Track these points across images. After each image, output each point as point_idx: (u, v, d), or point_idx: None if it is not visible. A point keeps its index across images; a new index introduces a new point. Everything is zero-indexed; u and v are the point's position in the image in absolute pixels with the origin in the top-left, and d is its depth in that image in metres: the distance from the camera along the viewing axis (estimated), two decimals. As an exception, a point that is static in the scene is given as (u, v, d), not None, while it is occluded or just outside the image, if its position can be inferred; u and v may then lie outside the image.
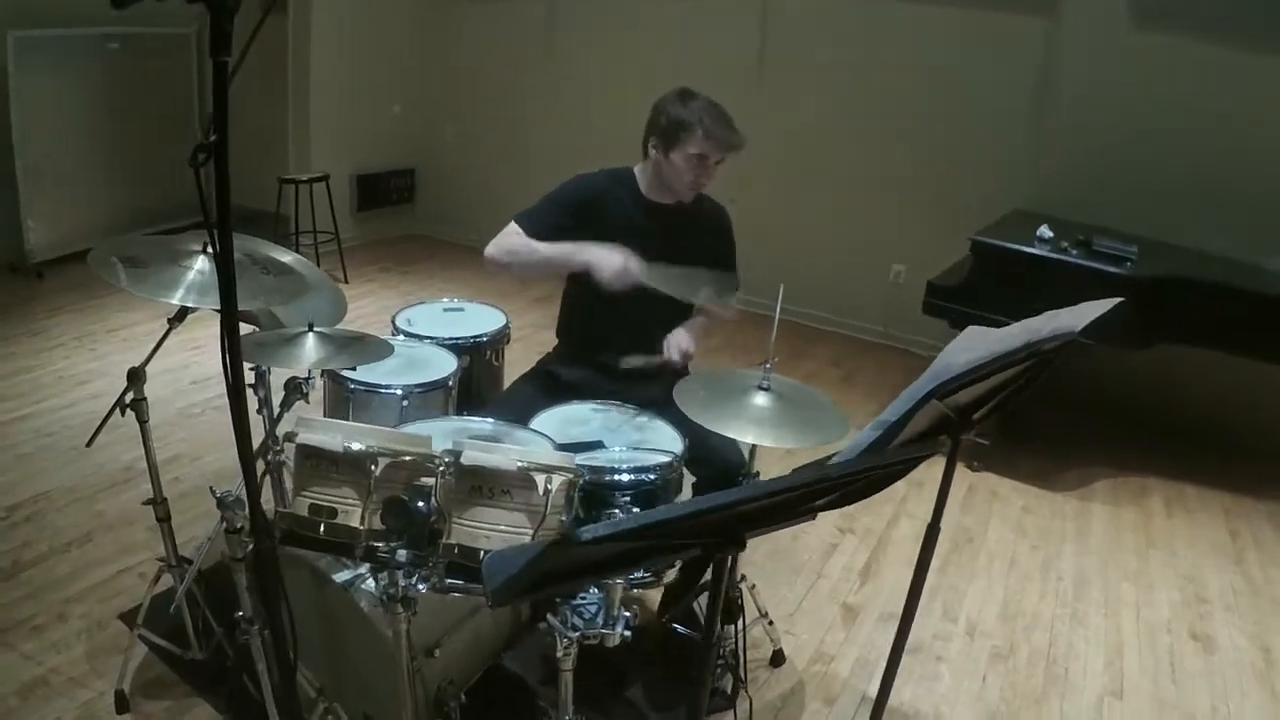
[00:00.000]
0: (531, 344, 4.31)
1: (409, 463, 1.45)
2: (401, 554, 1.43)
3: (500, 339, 2.90)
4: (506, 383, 2.86)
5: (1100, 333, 3.71)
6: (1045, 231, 4.04)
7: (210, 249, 1.88)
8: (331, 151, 5.57)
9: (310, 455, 1.44)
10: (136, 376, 1.89)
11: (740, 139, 2.45)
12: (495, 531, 1.47)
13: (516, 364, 2.93)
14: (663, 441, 2.20)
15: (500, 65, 6.10)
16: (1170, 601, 3.29)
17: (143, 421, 1.94)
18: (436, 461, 1.47)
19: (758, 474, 2.24)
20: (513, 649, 2.29)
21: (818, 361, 5.23)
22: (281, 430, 1.63)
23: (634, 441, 2.20)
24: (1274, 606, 3.34)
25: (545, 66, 5.95)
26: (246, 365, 2.14)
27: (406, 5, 6.07)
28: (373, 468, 1.41)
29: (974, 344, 1.55)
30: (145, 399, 1.93)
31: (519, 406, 2.36)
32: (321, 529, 1.43)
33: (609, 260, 2.36)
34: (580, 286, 2.55)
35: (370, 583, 1.71)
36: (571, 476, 1.53)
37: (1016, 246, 3.95)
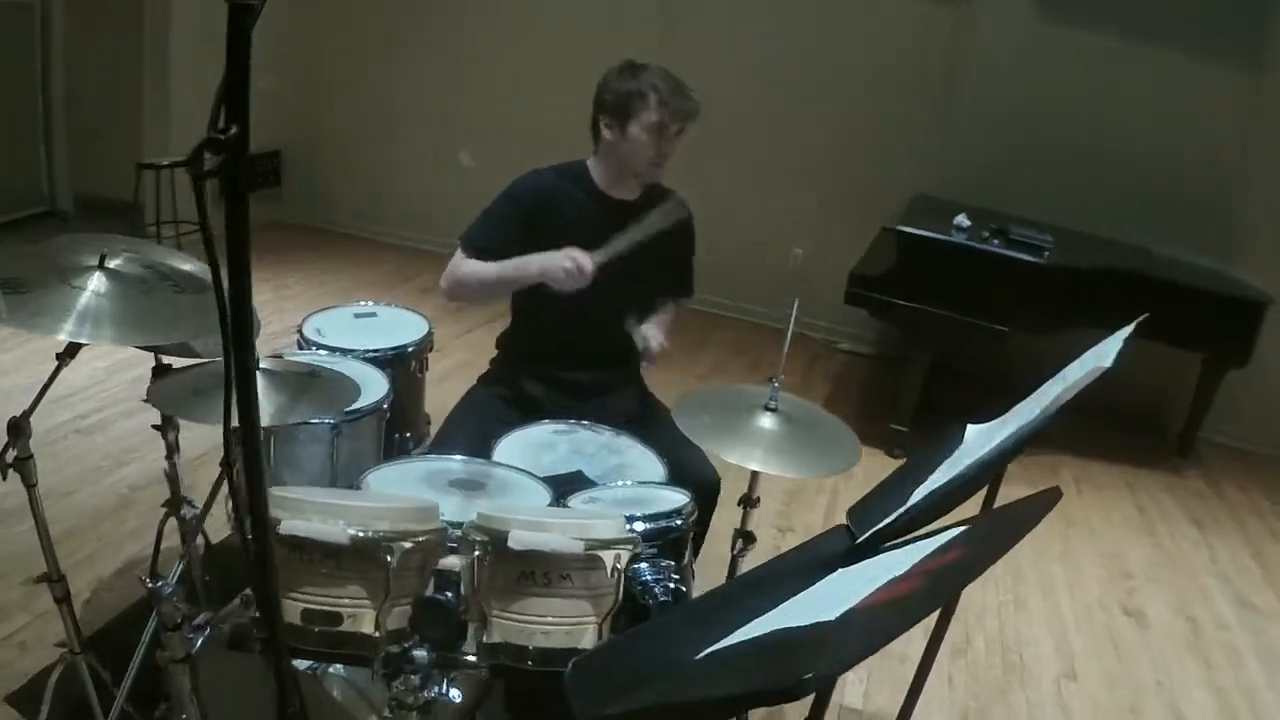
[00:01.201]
0: (449, 351, 4.09)
1: (425, 543, 1.18)
2: (424, 655, 1.15)
3: (425, 348, 2.58)
4: (430, 398, 2.59)
5: (1012, 320, 3.86)
6: (963, 220, 4.04)
7: (104, 263, 1.54)
8: (192, 131, 4.99)
9: (299, 547, 1.14)
10: (19, 430, 1.51)
11: (697, 104, 2.27)
12: (554, 626, 1.23)
13: (442, 376, 2.67)
14: (644, 465, 2.03)
15: (375, 35, 5.65)
16: (1098, 579, 3.38)
17: (30, 485, 1.56)
18: (467, 543, 1.20)
19: (758, 499, 2.06)
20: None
21: (722, 349, 5.11)
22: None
23: (612, 467, 2.01)
24: (1189, 576, 3.49)
25: (424, 38, 5.55)
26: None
27: (269, -30, 5.55)
28: (388, 558, 1.12)
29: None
30: (31, 456, 1.56)
31: (473, 432, 2.12)
32: (321, 637, 1.13)
33: (555, 265, 2.16)
34: (529, 292, 2.31)
35: (338, 667, 1.42)
36: (634, 549, 1.29)
37: (942, 237, 3.95)
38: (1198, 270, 4.40)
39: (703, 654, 1.04)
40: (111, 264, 1.55)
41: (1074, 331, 4.01)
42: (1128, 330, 1.71)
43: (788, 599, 1.20)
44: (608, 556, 1.26)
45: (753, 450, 1.79)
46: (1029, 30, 4.65)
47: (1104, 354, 1.59)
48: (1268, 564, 3.68)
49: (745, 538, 2.06)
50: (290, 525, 1.12)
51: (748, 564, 2.11)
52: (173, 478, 2.06)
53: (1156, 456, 4.51)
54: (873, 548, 1.39)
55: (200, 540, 1.95)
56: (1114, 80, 4.57)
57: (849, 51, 4.93)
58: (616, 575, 1.26)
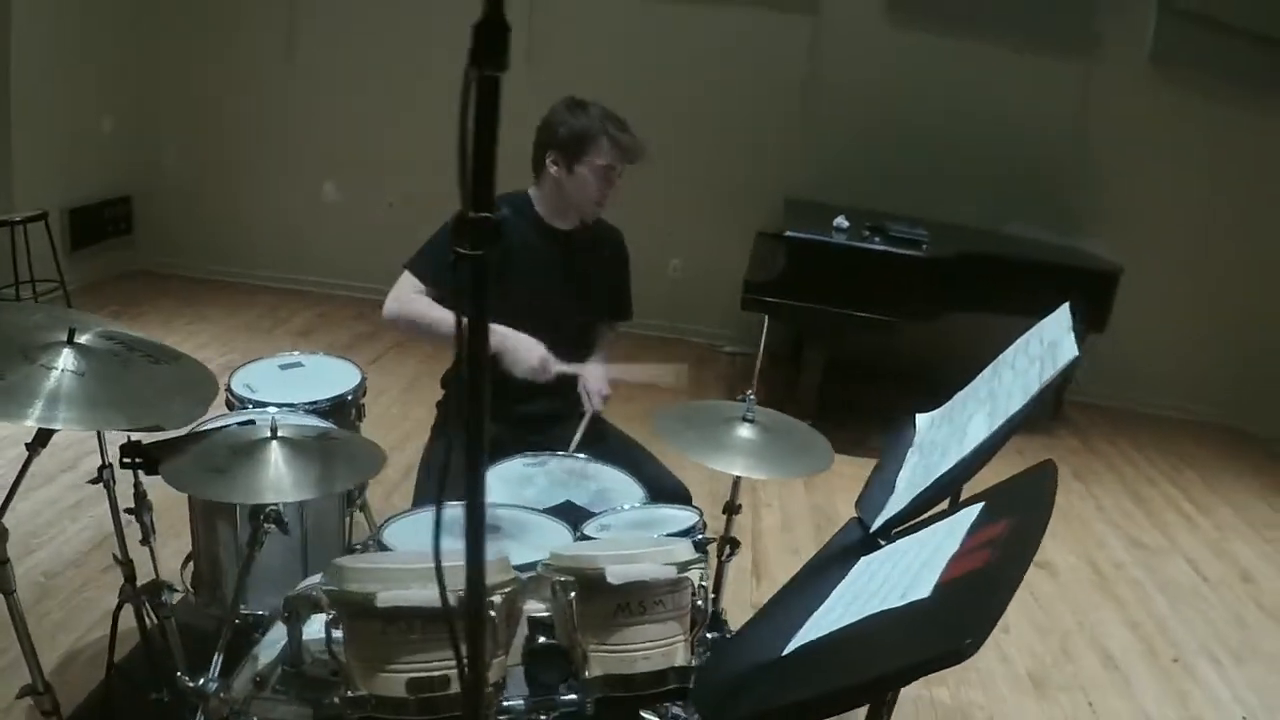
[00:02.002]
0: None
1: (512, 592, 1.16)
2: (520, 703, 1.14)
3: (360, 394, 2.52)
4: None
5: (899, 311, 4.09)
6: (842, 221, 4.25)
7: (74, 338, 1.44)
8: (36, 182, 4.63)
9: (395, 619, 1.09)
10: None
11: (643, 145, 2.30)
12: (653, 649, 1.25)
13: (375, 421, 2.60)
14: (621, 487, 2.06)
15: (230, 70, 5.37)
16: None
17: (8, 593, 1.43)
18: (545, 585, 1.19)
19: (739, 507, 2.12)
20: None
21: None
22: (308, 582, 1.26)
23: (594, 493, 2.04)
24: (1083, 526, 3.81)
25: (285, 70, 5.33)
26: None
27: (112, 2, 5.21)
28: (492, 614, 1.10)
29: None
30: (9, 562, 1.42)
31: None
32: (427, 704, 1.08)
33: (526, 353, 2.15)
34: None
35: None
36: (704, 566, 1.32)
37: (828, 239, 4.16)
38: (1054, 248, 4.80)
39: (795, 648, 1.12)
40: (82, 338, 1.44)
41: (953, 316, 4.36)
42: (1065, 314, 1.85)
43: (836, 589, 1.30)
44: (693, 576, 1.30)
45: (736, 458, 1.88)
46: (880, 33, 4.94)
47: (1054, 339, 1.72)
48: (1148, 507, 4.07)
49: (730, 544, 2.12)
50: (391, 597, 1.08)
51: (731, 568, 2.18)
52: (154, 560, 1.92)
53: (1031, 421, 4.84)
54: (885, 536, 1.48)
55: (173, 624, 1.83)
56: (962, 77, 4.91)
57: (711, 62, 5.06)
58: (704, 591, 1.31)
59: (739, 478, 2.04)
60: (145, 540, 1.82)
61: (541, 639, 1.18)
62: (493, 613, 1.08)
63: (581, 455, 2.18)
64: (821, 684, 1.04)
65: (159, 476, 1.50)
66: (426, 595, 1.07)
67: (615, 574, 1.21)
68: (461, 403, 2.27)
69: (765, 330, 2.23)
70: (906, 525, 1.49)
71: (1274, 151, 4.93)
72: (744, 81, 5.09)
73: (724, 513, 2.12)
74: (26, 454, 1.44)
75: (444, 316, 2.19)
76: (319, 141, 5.36)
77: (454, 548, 1.53)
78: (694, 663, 1.30)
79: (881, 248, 4.10)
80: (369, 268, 5.45)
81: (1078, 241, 4.98)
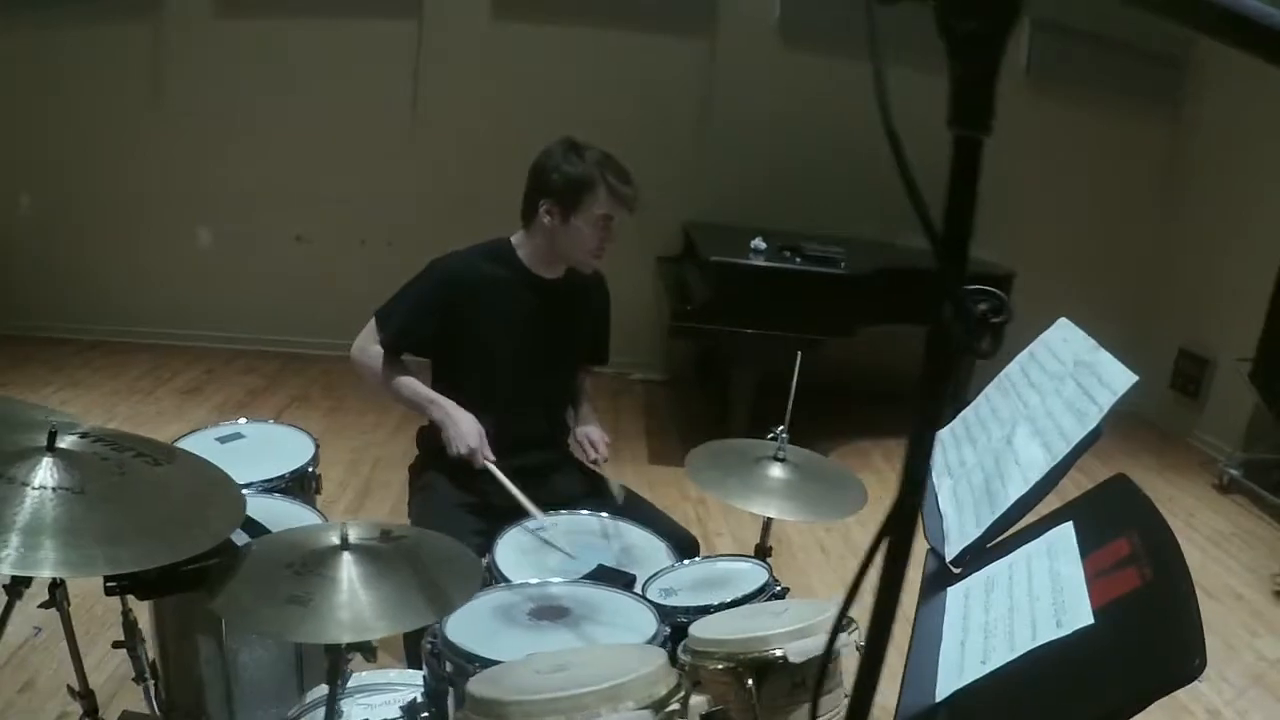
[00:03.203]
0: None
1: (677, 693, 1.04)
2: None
3: (316, 464, 2.30)
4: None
5: (824, 328, 4.13)
6: (759, 243, 4.27)
7: (54, 442, 1.20)
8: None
9: None
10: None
11: (641, 193, 2.19)
12: None
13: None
14: (642, 542, 1.98)
15: (92, 111, 4.89)
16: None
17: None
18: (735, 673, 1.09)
19: (770, 548, 2.04)
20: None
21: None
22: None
23: (619, 552, 1.93)
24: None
25: (153, 112, 4.89)
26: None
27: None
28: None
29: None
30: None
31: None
32: None
33: (461, 436, 2.09)
34: (459, 385, 2.20)
35: None
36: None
37: (756, 262, 4.17)
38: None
39: (952, 693, 1.07)
40: (63, 443, 1.21)
41: (871, 330, 4.45)
42: (1070, 329, 1.87)
43: (945, 623, 1.26)
44: (851, 643, 1.24)
45: (769, 500, 1.83)
46: (774, 56, 5.02)
47: (1084, 359, 1.72)
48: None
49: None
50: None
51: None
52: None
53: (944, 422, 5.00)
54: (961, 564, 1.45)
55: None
56: (850, 96, 4.99)
57: (607, 88, 5.00)
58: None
59: (769, 520, 1.97)
60: (141, 678, 1.57)
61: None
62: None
63: (591, 514, 2.06)
64: None
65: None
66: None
67: (798, 652, 1.15)
68: (436, 460, 2.15)
69: (798, 364, 2.16)
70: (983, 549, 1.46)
71: (1142, 153, 5.30)
72: (640, 106, 5.06)
73: (755, 555, 2.02)
74: None
75: (403, 385, 2.22)
76: (191, 187, 4.96)
77: (510, 634, 1.40)
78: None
79: (806, 268, 4.14)
80: (257, 317, 5.11)
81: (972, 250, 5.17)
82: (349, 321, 4.99)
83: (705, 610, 1.59)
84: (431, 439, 2.30)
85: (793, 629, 1.26)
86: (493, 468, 2.07)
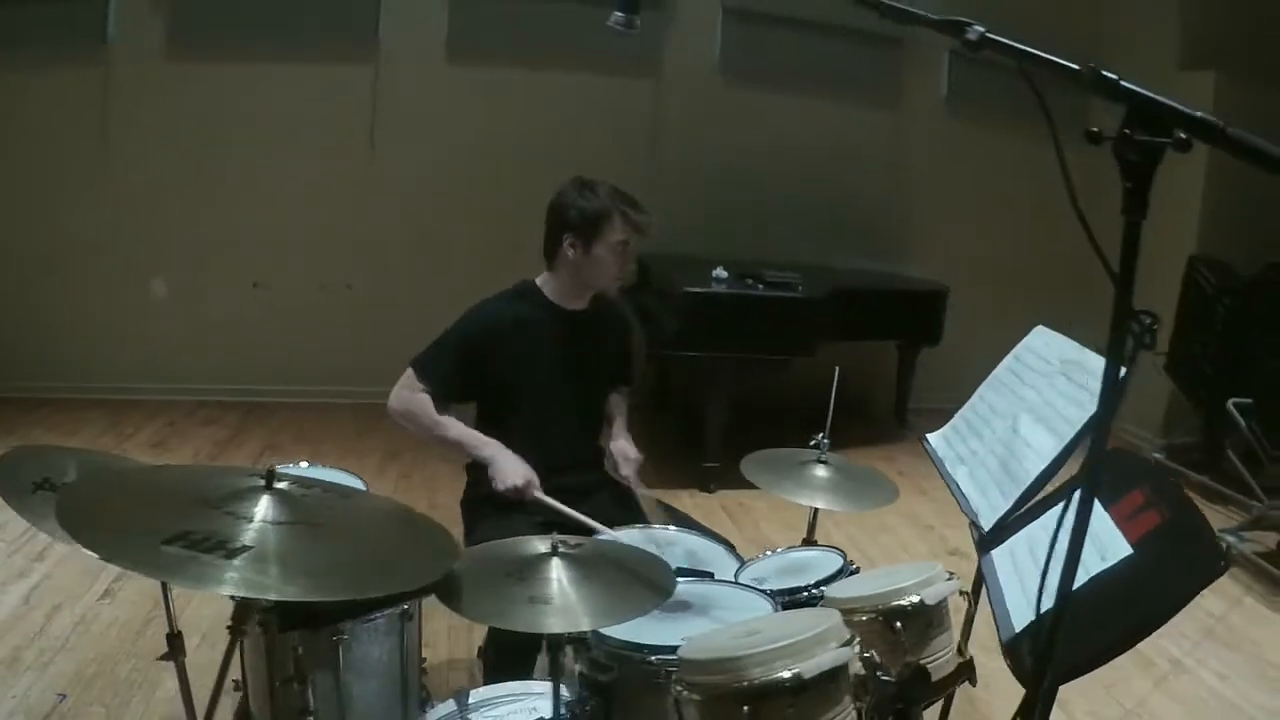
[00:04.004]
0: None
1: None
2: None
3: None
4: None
5: (788, 349, 4.37)
6: (721, 272, 4.50)
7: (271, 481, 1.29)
8: None
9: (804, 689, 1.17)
10: None
11: (652, 218, 2.42)
12: (947, 654, 1.49)
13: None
14: (702, 544, 2.16)
15: (38, 157, 4.72)
16: (916, 536, 3.98)
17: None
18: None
19: (815, 541, 2.25)
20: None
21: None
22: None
23: (683, 555, 2.09)
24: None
25: (101, 157, 4.77)
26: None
27: None
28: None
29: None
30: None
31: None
32: None
33: (510, 474, 2.22)
34: (503, 421, 2.36)
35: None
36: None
37: (726, 290, 4.41)
38: (891, 276, 5.30)
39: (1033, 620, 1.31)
40: (280, 484, 1.31)
41: (827, 348, 4.70)
42: (1048, 334, 2.14)
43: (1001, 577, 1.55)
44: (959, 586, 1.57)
45: (817, 494, 2.10)
46: (716, 92, 5.29)
47: (1070, 358, 1.96)
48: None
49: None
50: (813, 664, 1.16)
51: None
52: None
53: (884, 431, 5.32)
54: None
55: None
56: (788, 128, 5.34)
57: (559, 128, 5.14)
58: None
59: (816, 510, 2.21)
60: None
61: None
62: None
63: (642, 525, 2.22)
64: (1110, 628, 1.24)
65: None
66: (839, 653, 1.20)
67: (931, 596, 1.45)
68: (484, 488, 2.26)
69: (835, 383, 2.37)
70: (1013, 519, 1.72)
71: (1055, 170, 5.73)
72: (592, 145, 5.18)
73: (803, 544, 2.22)
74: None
75: (448, 428, 2.33)
76: (143, 235, 4.87)
77: (675, 626, 1.54)
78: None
79: (770, 293, 4.40)
80: (216, 367, 5.04)
81: (900, 268, 5.54)
82: (311, 367, 5.06)
83: (798, 591, 1.78)
84: (482, 469, 2.40)
85: (919, 580, 1.48)
86: (545, 498, 2.21)
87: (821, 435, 2.21)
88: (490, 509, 2.33)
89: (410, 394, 2.34)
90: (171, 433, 4.63)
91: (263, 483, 1.28)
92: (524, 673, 1.79)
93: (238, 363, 5.05)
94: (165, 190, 4.82)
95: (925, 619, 1.45)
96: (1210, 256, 4.60)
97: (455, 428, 2.33)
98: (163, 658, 1.75)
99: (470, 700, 1.67)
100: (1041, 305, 5.94)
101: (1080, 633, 1.27)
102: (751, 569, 1.91)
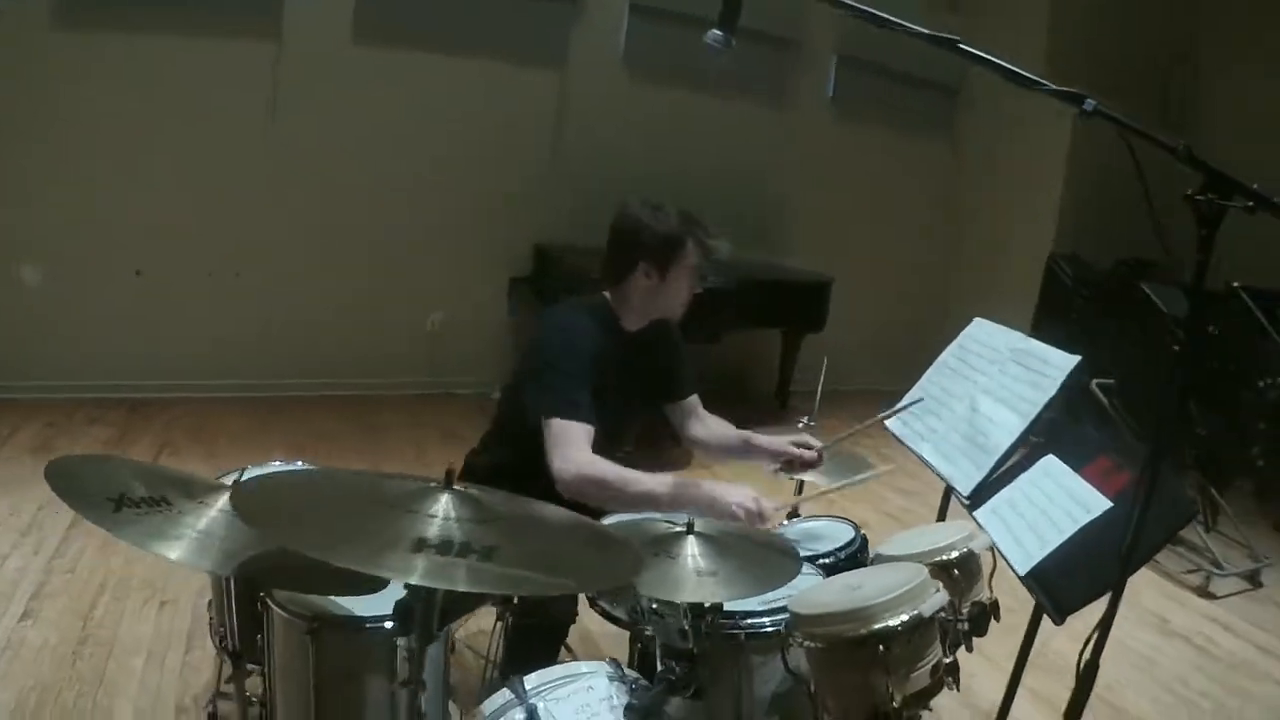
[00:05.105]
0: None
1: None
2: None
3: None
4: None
5: (701, 337, 4.55)
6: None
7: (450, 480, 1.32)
8: None
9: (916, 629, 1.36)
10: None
11: (721, 237, 2.35)
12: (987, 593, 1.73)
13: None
14: (811, 527, 2.31)
15: None
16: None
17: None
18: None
19: (798, 510, 2.43)
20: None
21: (407, 428, 4.90)
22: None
23: (801, 534, 2.25)
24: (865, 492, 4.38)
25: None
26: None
27: None
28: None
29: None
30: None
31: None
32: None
33: (732, 503, 1.98)
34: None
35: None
36: None
37: None
38: (782, 268, 5.58)
39: (1035, 565, 1.62)
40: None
41: (729, 336, 4.93)
42: (987, 324, 2.41)
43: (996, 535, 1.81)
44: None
45: (804, 469, 2.27)
46: (618, 89, 5.39)
47: (1021, 347, 2.21)
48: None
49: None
50: (931, 604, 1.35)
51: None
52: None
53: (767, 413, 5.51)
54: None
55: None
56: (684, 125, 5.51)
57: (463, 115, 5.11)
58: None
59: (802, 482, 2.37)
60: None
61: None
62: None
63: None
64: (1107, 566, 1.47)
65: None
66: (939, 599, 1.41)
67: (978, 545, 1.70)
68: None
69: (824, 367, 2.51)
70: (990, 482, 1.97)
71: (927, 168, 6.22)
72: (495, 132, 5.21)
73: (789, 518, 2.39)
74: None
75: (646, 482, 2.01)
76: (13, 218, 4.41)
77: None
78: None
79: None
80: (96, 362, 4.68)
81: (781, 259, 5.83)
82: (200, 360, 4.79)
83: (827, 556, 2.00)
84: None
85: (964, 535, 1.69)
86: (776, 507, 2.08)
87: (808, 418, 2.37)
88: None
89: (582, 453, 2.00)
90: (55, 434, 4.27)
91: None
92: (549, 661, 1.81)
93: (119, 357, 4.70)
94: (40, 169, 4.40)
95: (973, 565, 1.65)
96: (1068, 253, 5.13)
97: (656, 483, 2.02)
98: (229, 680, 1.69)
99: (528, 686, 1.73)
100: (912, 294, 6.52)
101: (1077, 574, 1.56)
102: (889, 547, 1.98)
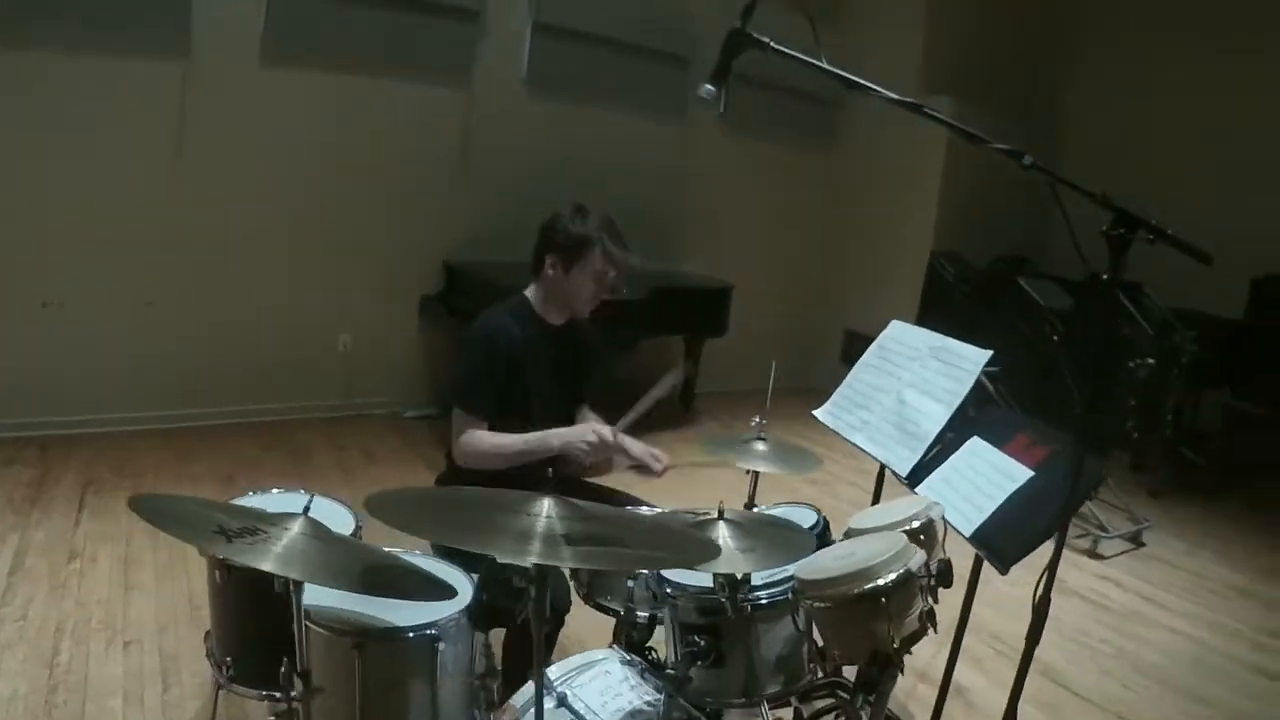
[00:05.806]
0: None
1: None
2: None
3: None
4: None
5: (619, 345, 4.77)
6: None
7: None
8: None
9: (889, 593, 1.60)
10: None
11: (630, 256, 2.61)
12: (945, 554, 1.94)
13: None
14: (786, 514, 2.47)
15: None
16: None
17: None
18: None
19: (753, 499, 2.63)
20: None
21: (323, 450, 4.94)
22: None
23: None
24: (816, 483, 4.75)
25: None
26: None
27: None
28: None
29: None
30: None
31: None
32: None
33: (578, 440, 2.39)
34: (517, 424, 2.46)
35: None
36: None
37: None
38: (679, 274, 5.88)
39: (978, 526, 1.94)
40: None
41: (644, 342, 5.15)
42: (904, 326, 2.71)
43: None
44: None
45: (758, 462, 2.46)
46: (521, 103, 5.54)
47: (939, 345, 2.52)
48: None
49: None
50: (917, 560, 1.64)
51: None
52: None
53: (672, 414, 5.83)
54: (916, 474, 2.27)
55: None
56: (587, 139, 5.72)
57: (370, 134, 5.15)
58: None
59: (757, 474, 2.56)
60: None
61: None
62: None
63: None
64: (1036, 525, 1.83)
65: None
66: (919, 556, 1.68)
67: (937, 515, 1.91)
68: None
69: (774, 371, 2.73)
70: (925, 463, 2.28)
71: (809, 175, 6.61)
72: (401, 151, 5.27)
73: (746, 507, 2.56)
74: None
75: (514, 442, 2.40)
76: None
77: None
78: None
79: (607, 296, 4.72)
80: (3, 399, 4.51)
81: (678, 266, 6.14)
82: (115, 393, 4.67)
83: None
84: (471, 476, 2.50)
85: (924, 506, 1.91)
86: (623, 425, 2.45)
87: (760, 418, 2.55)
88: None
89: (473, 435, 2.40)
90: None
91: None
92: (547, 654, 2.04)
93: (28, 393, 4.53)
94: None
95: (934, 531, 1.89)
96: (948, 251, 5.59)
97: (514, 441, 2.40)
98: (296, 698, 1.73)
99: (552, 677, 1.91)
100: (797, 293, 6.90)
101: (1014, 531, 1.89)
102: (859, 519, 2.16)
